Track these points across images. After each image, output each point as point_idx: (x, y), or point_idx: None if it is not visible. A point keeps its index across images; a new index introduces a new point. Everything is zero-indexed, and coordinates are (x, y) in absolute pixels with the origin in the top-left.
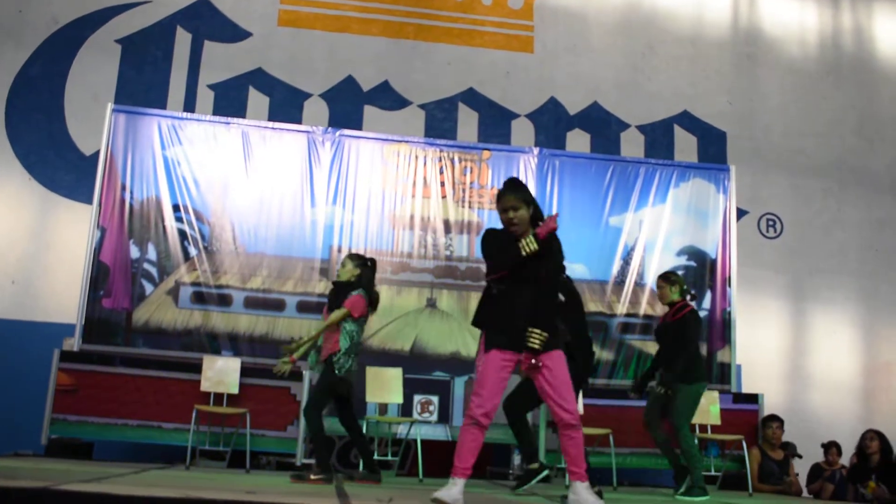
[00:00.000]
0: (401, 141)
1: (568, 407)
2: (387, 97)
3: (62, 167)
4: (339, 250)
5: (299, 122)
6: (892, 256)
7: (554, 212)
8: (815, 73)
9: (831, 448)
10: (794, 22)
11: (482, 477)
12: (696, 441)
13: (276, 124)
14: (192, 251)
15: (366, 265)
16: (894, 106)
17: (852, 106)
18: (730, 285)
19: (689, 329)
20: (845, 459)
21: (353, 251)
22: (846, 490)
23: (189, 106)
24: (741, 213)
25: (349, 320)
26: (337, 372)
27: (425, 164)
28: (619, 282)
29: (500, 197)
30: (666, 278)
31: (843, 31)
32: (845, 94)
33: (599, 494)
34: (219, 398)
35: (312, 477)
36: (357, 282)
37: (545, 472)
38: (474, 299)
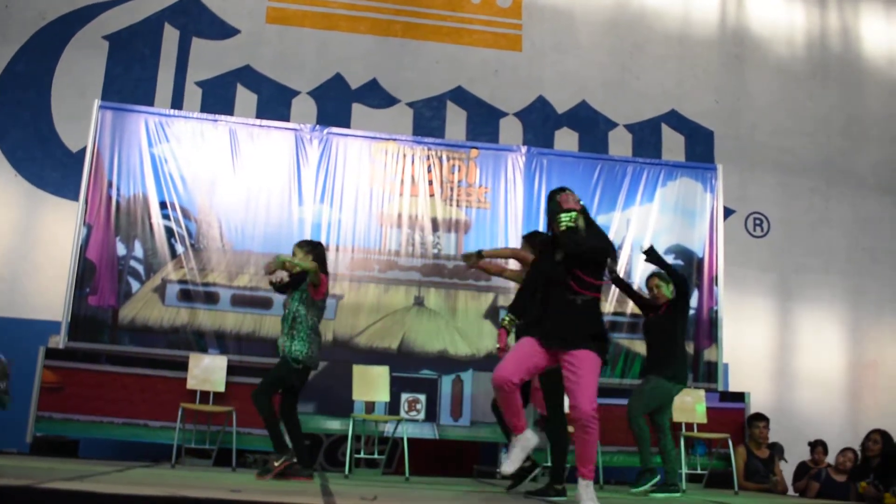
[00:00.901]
0: (389, 139)
1: (579, 405)
2: (375, 95)
3: (49, 164)
4: (327, 249)
5: (287, 119)
6: (878, 255)
7: (542, 210)
8: (802, 73)
9: (817, 447)
10: (781, 22)
11: (469, 476)
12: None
13: (264, 122)
14: (179, 248)
15: (316, 249)
16: (880, 106)
17: (839, 106)
18: (717, 284)
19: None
20: (831, 458)
21: (341, 249)
22: (834, 488)
23: (176, 103)
24: (728, 212)
25: (301, 302)
26: (292, 362)
27: (413, 162)
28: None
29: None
30: (662, 277)
31: (830, 31)
32: (832, 94)
33: None
34: (205, 396)
35: (276, 464)
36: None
37: (536, 471)
38: (462, 298)
